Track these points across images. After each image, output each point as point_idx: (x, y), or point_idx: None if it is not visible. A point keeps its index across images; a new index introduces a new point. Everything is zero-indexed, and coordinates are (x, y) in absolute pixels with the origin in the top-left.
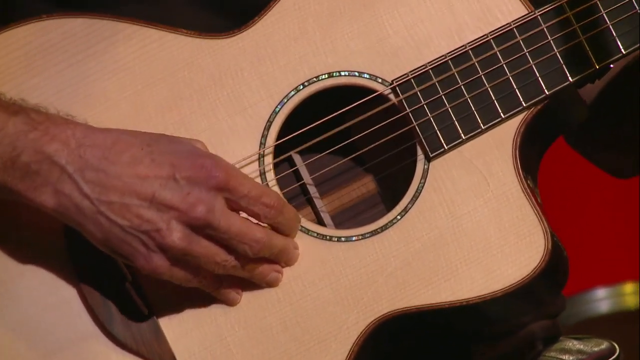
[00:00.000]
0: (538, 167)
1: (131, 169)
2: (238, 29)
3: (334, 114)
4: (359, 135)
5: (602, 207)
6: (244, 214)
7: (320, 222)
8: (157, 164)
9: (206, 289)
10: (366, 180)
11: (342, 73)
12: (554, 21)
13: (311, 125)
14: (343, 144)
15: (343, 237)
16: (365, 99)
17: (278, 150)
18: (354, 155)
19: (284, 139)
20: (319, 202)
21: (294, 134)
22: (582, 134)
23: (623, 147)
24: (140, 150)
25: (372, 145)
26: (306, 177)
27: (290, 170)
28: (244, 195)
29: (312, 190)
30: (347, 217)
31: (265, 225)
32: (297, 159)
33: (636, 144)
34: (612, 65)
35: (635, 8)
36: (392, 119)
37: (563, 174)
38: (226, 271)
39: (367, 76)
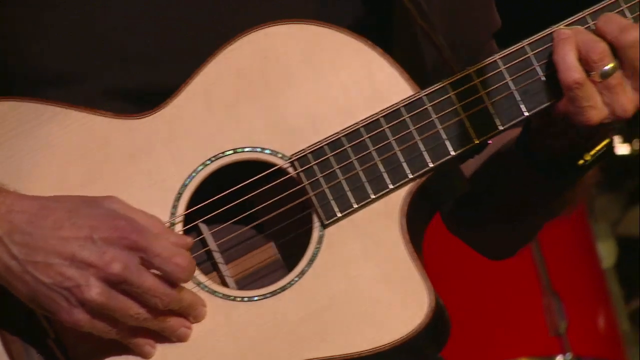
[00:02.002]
0: (423, 235)
1: (54, 231)
2: (151, 110)
3: (237, 187)
4: (261, 206)
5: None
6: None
7: (225, 286)
8: (77, 227)
9: (123, 340)
10: (267, 246)
11: (246, 149)
12: (437, 101)
13: (216, 197)
14: (246, 214)
15: (246, 297)
16: (266, 172)
17: (190, 220)
18: (256, 224)
19: (192, 209)
20: (223, 268)
21: (201, 205)
22: (458, 213)
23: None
24: (63, 215)
25: (273, 214)
26: (212, 244)
27: (197, 238)
28: (157, 254)
29: (217, 256)
30: (250, 281)
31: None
32: (204, 227)
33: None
34: (490, 142)
35: (511, 89)
36: (291, 190)
37: (465, 252)
38: (139, 323)
39: (269, 151)
